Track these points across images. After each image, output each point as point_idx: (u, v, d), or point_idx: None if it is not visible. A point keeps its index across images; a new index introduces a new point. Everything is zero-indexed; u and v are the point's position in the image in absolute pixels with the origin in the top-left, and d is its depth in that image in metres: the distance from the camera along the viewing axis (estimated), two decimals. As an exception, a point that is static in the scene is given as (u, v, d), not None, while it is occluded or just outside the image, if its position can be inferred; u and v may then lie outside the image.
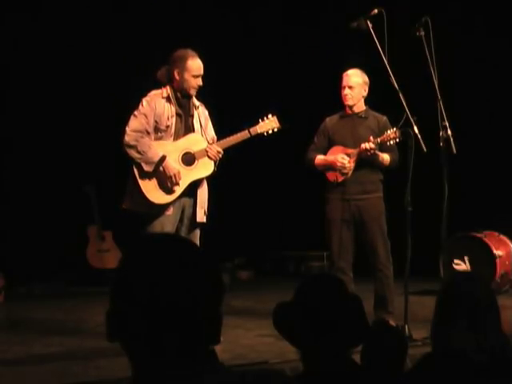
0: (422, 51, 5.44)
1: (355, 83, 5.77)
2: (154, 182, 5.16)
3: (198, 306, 1.54)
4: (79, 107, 8.25)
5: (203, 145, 5.24)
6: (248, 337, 5.60)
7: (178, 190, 5.18)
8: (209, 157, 5.22)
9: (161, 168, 5.12)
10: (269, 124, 5.37)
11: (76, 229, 8.50)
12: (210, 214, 5.35)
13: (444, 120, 5.45)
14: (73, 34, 8.35)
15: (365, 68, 5.87)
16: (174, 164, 5.16)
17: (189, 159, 5.20)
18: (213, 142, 5.30)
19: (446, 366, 2.55)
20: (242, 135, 5.29)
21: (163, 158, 5.13)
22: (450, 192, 5.39)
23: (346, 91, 5.78)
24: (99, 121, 8.23)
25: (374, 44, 5.46)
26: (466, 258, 7.41)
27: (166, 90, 5.21)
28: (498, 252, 7.37)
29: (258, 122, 5.36)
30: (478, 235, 7.50)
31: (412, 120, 5.38)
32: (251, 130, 5.32)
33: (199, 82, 5.19)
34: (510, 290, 7.59)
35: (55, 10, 8.25)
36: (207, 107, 5.44)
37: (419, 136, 5.37)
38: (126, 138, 5.14)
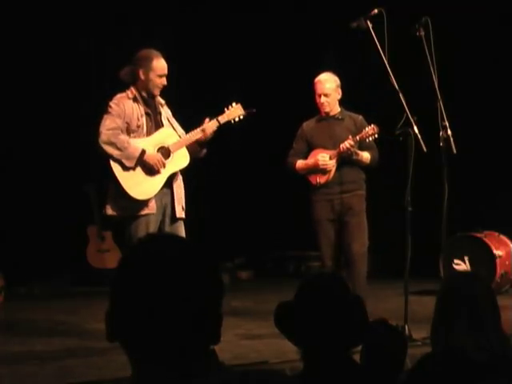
0: (422, 51, 5.44)
1: (330, 89, 5.80)
2: (134, 178, 5.17)
3: (198, 305, 1.54)
4: (79, 106, 8.24)
5: (176, 138, 5.31)
6: (248, 337, 5.59)
7: (159, 183, 5.20)
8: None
9: (142, 162, 5.13)
10: (234, 111, 5.38)
11: (76, 229, 8.49)
12: (210, 214, 5.36)
13: (444, 120, 5.45)
14: (72, 33, 8.36)
15: (338, 70, 5.87)
16: (154, 152, 5.19)
17: (164, 153, 5.24)
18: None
19: (446, 366, 2.55)
20: (213, 124, 5.31)
21: (143, 152, 5.15)
22: (450, 192, 5.40)
23: (323, 99, 5.79)
24: (99, 120, 8.20)
25: (374, 44, 5.46)
26: (466, 258, 7.41)
27: (131, 91, 5.26)
28: (497, 252, 7.36)
29: (224, 111, 5.38)
30: (478, 235, 7.50)
31: (412, 120, 5.38)
32: (219, 118, 5.34)
33: (164, 81, 5.26)
34: (510, 289, 7.59)
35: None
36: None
37: (419, 136, 5.37)
38: (103, 137, 5.16)
